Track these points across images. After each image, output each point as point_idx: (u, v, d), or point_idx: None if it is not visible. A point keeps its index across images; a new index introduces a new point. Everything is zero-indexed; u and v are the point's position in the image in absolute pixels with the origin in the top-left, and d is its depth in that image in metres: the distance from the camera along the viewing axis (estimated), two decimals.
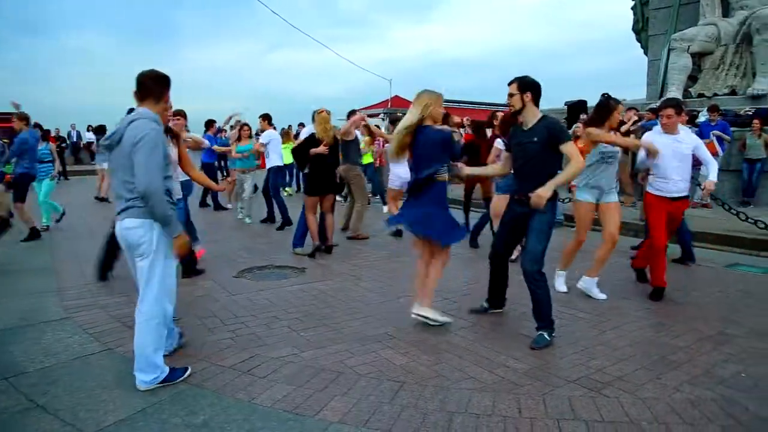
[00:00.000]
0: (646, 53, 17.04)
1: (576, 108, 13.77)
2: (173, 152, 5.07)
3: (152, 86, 3.38)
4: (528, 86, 4.21)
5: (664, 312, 4.93)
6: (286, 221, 9.28)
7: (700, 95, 13.76)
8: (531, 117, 4.24)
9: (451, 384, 3.45)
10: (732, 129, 11.15)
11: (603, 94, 5.47)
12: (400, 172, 7.91)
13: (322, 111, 7.20)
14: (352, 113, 9.24)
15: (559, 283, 5.58)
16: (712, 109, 11.21)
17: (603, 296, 5.32)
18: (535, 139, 4.15)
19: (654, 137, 5.35)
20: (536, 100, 4.25)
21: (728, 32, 13.67)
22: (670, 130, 5.29)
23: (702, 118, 11.34)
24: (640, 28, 17.66)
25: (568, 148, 4.11)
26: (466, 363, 3.77)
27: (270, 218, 9.83)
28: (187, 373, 3.55)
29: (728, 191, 10.66)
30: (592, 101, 15.14)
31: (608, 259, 5.41)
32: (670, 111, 5.24)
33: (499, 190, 6.82)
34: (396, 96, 26.06)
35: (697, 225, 8.62)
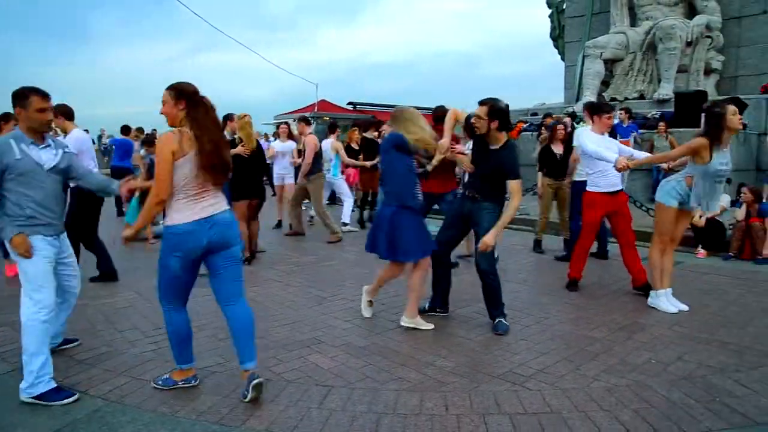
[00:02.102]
0: (563, 59, 17.79)
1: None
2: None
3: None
4: (496, 114, 4.30)
5: (583, 305, 5.13)
6: None
7: (613, 99, 14.50)
8: (495, 140, 4.39)
9: (379, 385, 3.46)
10: (641, 131, 11.79)
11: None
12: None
13: (245, 116, 7.06)
14: (303, 120, 9.16)
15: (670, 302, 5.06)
16: (625, 111, 11.77)
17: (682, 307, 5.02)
18: (493, 163, 4.35)
19: (594, 137, 5.44)
20: (502, 127, 4.37)
21: (636, 41, 14.49)
22: (606, 130, 5.51)
23: (616, 120, 11.91)
24: (557, 35, 18.44)
25: (514, 186, 4.31)
26: (394, 364, 3.78)
27: None
28: (71, 399, 3.30)
29: (639, 189, 11.22)
30: (514, 104, 15.65)
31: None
32: (612, 113, 5.44)
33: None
34: (323, 100, 25.91)
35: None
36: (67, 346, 4.05)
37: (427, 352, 3.99)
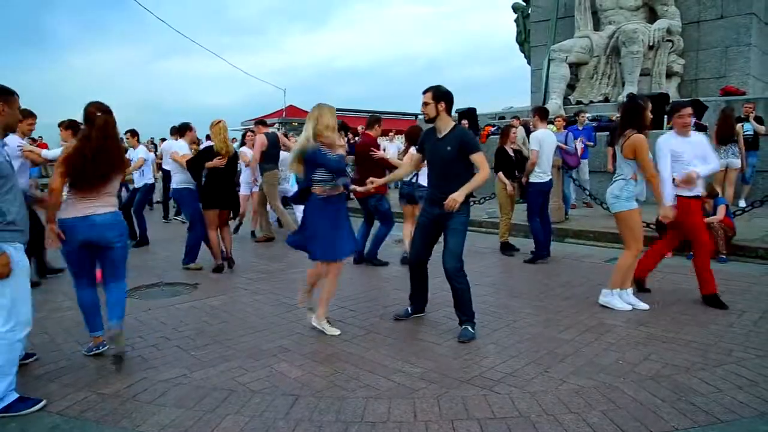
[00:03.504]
0: (529, 63, 17.99)
1: (466, 115, 14.24)
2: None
3: None
4: (442, 96, 4.37)
5: (551, 308, 5.15)
6: (144, 239, 8.92)
7: (578, 102, 14.73)
8: (444, 125, 4.42)
9: (347, 394, 3.41)
10: (606, 133, 11.90)
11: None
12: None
13: (219, 122, 6.87)
14: (261, 123, 9.53)
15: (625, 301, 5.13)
16: (578, 114, 11.86)
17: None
18: (449, 147, 4.34)
19: (674, 140, 5.20)
20: (449, 110, 4.44)
21: (600, 44, 14.73)
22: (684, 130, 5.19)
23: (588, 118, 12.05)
24: (523, 40, 18.67)
25: (478, 158, 4.33)
26: (362, 371, 3.74)
27: (131, 235, 9.33)
28: (39, 405, 3.26)
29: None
30: (481, 109, 15.80)
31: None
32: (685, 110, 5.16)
33: (403, 199, 6.96)
34: (291, 105, 25.80)
35: (579, 224, 9.18)
36: (25, 361, 3.90)
37: (395, 359, 3.96)
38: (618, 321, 4.72)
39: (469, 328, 4.36)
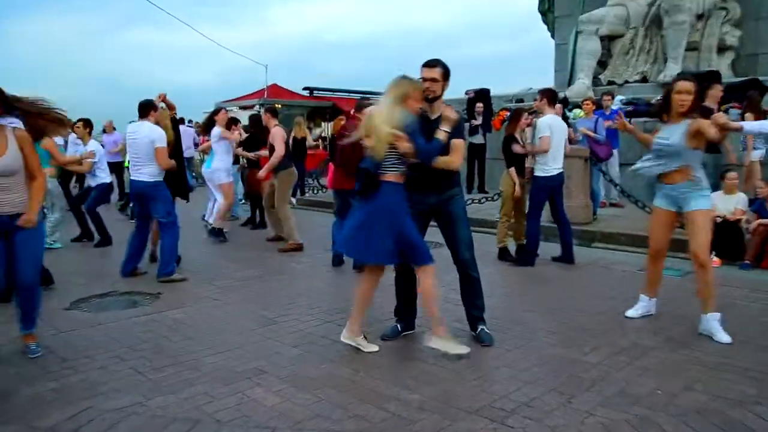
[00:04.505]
0: (552, 36, 17.95)
1: (480, 97, 14.16)
2: None
3: None
4: (449, 75, 4.55)
5: (575, 324, 5.11)
6: (105, 238, 8.95)
7: (611, 82, 14.63)
8: (438, 107, 4.56)
9: (331, 426, 3.37)
10: (643, 119, 11.81)
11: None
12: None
13: (163, 105, 7.10)
14: (272, 110, 9.55)
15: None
16: (605, 96, 11.82)
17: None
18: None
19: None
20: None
21: (637, 13, 14.65)
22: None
23: (615, 106, 12.01)
24: (546, 9, 18.58)
25: (459, 144, 4.51)
26: (351, 399, 3.70)
27: (86, 234, 9.31)
28: None
29: (642, 188, 11.29)
30: (497, 89, 15.74)
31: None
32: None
33: None
34: (273, 84, 25.69)
35: (609, 225, 9.15)
36: None
37: (390, 383, 3.91)
38: (654, 342, 4.68)
39: (486, 329, 4.64)
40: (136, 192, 7.02)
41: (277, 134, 8.55)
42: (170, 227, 6.91)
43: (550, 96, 7.46)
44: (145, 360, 4.36)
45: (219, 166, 9.55)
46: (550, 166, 7.16)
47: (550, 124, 7.15)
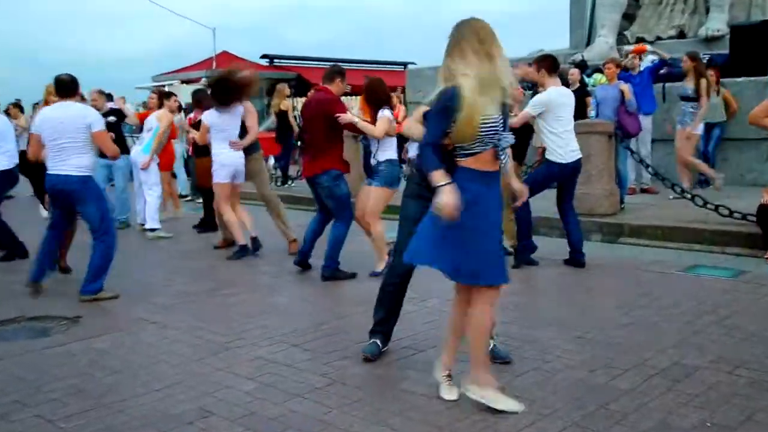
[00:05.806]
0: None
1: None
2: None
3: None
4: None
5: (600, 340, 5.09)
6: (22, 252, 8.71)
7: (639, 39, 14.64)
8: None
9: None
10: (680, 84, 11.78)
11: None
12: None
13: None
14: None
15: None
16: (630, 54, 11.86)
17: None
18: None
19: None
20: None
21: None
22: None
23: (646, 63, 12.02)
24: None
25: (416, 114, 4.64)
26: None
27: None
28: None
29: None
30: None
31: None
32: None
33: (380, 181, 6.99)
34: (224, 52, 25.75)
35: (640, 216, 9.13)
36: None
37: (370, 422, 3.85)
38: (702, 361, 4.64)
39: (497, 343, 4.70)
40: (58, 189, 6.84)
41: (251, 109, 8.93)
42: (105, 234, 6.81)
43: (549, 65, 7.21)
44: (56, 404, 4.26)
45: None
46: (564, 150, 7.01)
47: (548, 101, 6.97)
